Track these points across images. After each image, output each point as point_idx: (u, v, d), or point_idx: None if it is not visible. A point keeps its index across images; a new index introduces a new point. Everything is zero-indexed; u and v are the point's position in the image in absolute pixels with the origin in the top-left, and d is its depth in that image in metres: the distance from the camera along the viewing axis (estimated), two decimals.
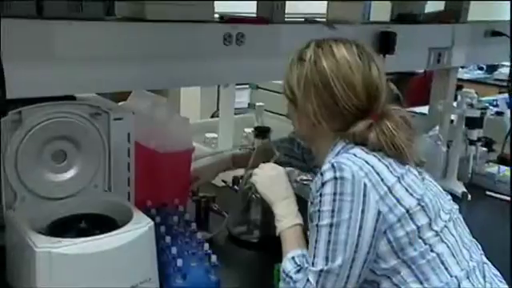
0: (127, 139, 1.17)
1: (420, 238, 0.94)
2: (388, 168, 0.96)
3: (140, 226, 0.96)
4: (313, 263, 0.93)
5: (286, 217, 1.07)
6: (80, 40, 1.08)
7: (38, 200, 1.02)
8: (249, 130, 1.88)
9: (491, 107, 2.34)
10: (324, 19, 1.61)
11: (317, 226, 0.93)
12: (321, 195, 0.93)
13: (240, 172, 1.48)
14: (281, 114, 2.14)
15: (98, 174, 1.09)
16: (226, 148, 1.75)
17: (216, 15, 1.34)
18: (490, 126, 1.90)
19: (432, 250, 0.94)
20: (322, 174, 0.94)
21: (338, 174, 0.92)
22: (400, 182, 0.95)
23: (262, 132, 1.34)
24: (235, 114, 1.92)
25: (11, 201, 1.00)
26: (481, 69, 4.49)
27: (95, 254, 0.89)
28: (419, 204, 0.95)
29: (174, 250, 1.05)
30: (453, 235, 0.99)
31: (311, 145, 1.12)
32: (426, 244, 0.94)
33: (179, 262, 1.02)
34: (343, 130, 1.01)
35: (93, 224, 1.01)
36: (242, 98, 2.40)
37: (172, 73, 1.25)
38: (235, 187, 1.60)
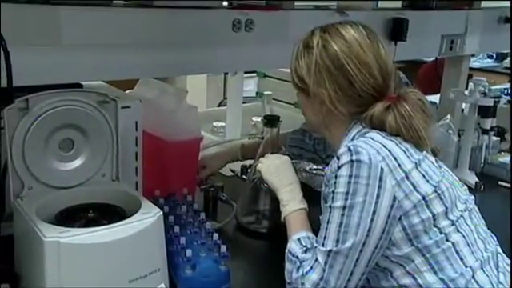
0: (135, 128, 1.15)
1: (435, 226, 0.93)
2: (405, 153, 0.94)
3: (149, 216, 0.94)
4: (323, 244, 0.92)
5: (291, 201, 1.08)
6: (87, 26, 1.06)
7: (45, 189, 1.01)
8: (257, 119, 1.86)
9: (503, 96, 2.30)
10: (334, 6, 1.57)
11: (330, 207, 0.93)
12: (336, 177, 0.92)
13: (248, 161, 1.46)
14: (288, 103, 2.13)
15: (105, 163, 1.07)
16: (234, 137, 1.73)
17: (225, 3, 1.31)
18: (502, 114, 1.87)
19: (447, 240, 0.93)
20: (338, 158, 0.93)
21: (354, 157, 0.91)
22: (417, 168, 0.93)
23: (271, 121, 1.32)
24: (242, 102, 1.89)
25: (19, 190, 0.99)
26: (490, 57, 4.44)
27: (104, 244, 0.88)
28: (435, 191, 0.93)
29: (182, 240, 1.04)
30: (468, 225, 0.97)
31: (325, 132, 1.10)
32: (441, 233, 0.93)
33: (188, 253, 1.01)
34: (360, 113, 0.99)
35: (101, 214, 0.99)
36: (249, 86, 2.37)
37: (181, 60, 1.23)
38: (243, 177, 1.58)
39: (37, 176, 1.00)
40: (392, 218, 0.90)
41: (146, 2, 1.17)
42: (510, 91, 2.42)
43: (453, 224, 0.94)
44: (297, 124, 1.87)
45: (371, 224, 0.90)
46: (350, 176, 0.90)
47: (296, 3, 1.44)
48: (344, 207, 0.91)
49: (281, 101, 2.12)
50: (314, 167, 1.41)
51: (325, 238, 0.92)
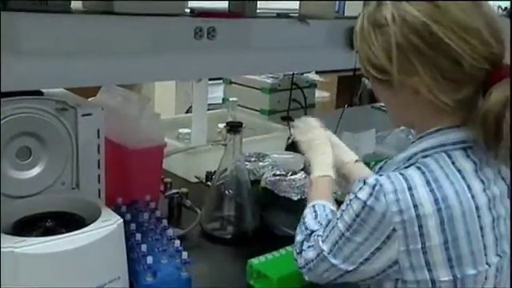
0: (97, 135, 1.14)
1: None
2: (442, 223, 0.72)
3: (108, 224, 0.94)
4: (324, 240, 0.85)
5: (318, 168, 1.06)
6: (46, 34, 1.05)
7: (1, 198, 0.99)
8: (222, 126, 1.86)
9: None
10: (296, 14, 1.60)
11: (337, 219, 0.83)
12: (350, 201, 0.80)
13: (213, 167, 1.47)
14: (254, 109, 2.14)
15: (65, 171, 1.06)
16: (199, 143, 1.73)
17: (187, 10, 1.32)
18: None
19: None
20: (364, 182, 0.78)
21: (369, 202, 0.76)
22: (447, 251, 0.73)
23: (234, 127, 1.34)
24: (209, 109, 1.90)
25: None
26: None
27: (61, 253, 0.87)
28: (454, 281, 0.74)
29: (143, 248, 1.03)
30: None
31: (420, 131, 0.85)
32: None
33: (149, 260, 1.00)
34: (468, 103, 0.75)
35: (60, 222, 0.98)
36: (217, 93, 2.38)
37: (143, 67, 1.22)
38: (208, 183, 1.59)
39: None
40: (385, 275, 0.79)
41: (106, 9, 1.17)
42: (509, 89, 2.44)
43: None
44: (261, 130, 1.89)
45: (359, 267, 0.80)
46: (357, 216, 0.78)
47: (258, 11, 1.45)
48: (343, 234, 0.81)
49: (247, 107, 2.13)
50: (278, 173, 1.42)
51: (327, 236, 0.84)
